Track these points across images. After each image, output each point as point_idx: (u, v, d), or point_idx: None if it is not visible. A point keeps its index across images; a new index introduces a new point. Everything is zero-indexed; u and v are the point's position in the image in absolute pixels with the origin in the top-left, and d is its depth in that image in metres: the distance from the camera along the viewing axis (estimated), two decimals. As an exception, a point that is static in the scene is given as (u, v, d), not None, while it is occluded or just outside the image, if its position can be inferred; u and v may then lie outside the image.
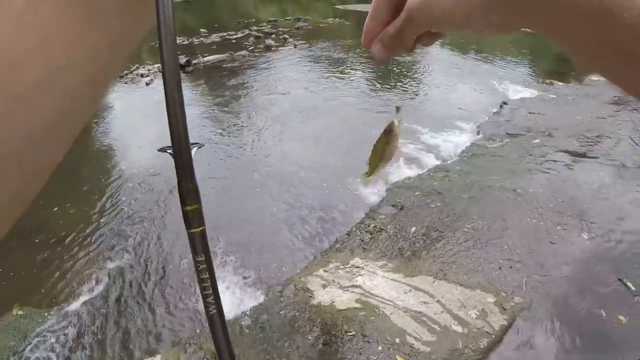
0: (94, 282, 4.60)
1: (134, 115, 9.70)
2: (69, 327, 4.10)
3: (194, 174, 0.41)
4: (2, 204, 0.35)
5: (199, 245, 0.42)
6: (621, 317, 3.59)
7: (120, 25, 0.39)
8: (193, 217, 0.41)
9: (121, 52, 0.41)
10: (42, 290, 4.52)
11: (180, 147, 0.39)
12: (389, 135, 0.77)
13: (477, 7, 0.48)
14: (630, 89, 0.50)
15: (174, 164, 0.40)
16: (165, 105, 0.39)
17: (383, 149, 0.78)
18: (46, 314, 4.20)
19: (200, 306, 4.20)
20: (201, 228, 0.42)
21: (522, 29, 0.51)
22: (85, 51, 0.37)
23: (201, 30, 18.80)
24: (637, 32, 0.42)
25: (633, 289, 3.85)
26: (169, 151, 0.41)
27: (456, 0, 0.51)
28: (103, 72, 0.39)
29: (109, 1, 0.38)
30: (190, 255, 0.43)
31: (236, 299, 4.30)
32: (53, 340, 3.95)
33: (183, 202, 0.41)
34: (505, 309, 3.66)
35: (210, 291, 0.44)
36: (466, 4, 0.49)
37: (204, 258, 0.43)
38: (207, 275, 0.43)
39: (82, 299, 4.39)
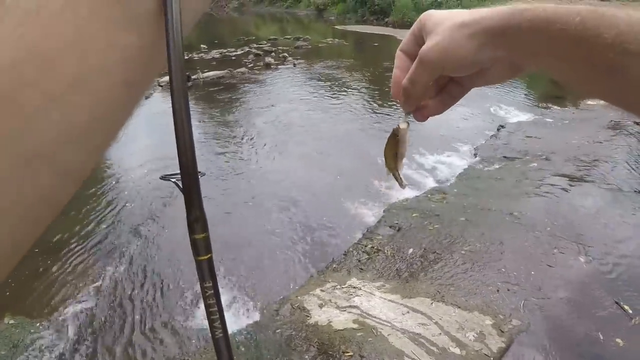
0: (87, 292, 4.57)
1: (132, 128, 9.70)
2: (62, 336, 4.07)
3: (202, 203, 0.42)
4: (33, 205, 0.34)
5: (207, 272, 0.43)
6: (618, 340, 3.59)
7: (156, 29, 0.40)
8: (201, 245, 0.42)
9: (156, 56, 0.41)
10: (34, 300, 4.49)
11: (189, 178, 0.40)
12: (395, 138, 0.79)
13: (480, 45, 0.57)
14: (619, 102, 0.55)
15: (180, 192, 0.41)
16: (174, 133, 0.39)
17: (394, 150, 0.80)
18: (38, 324, 4.16)
19: (196, 322, 4.22)
20: (209, 255, 0.43)
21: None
22: (120, 54, 0.37)
23: (201, 46, 18.87)
24: (618, 50, 0.47)
25: (630, 312, 3.85)
26: (172, 179, 0.43)
27: (461, 38, 0.57)
28: (137, 76, 0.39)
29: (144, 4, 0.39)
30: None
31: (231, 317, 4.28)
32: (45, 349, 3.92)
33: (191, 231, 0.42)
34: (503, 332, 3.65)
35: (217, 316, 0.45)
36: (470, 42, 0.55)
37: (211, 284, 0.44)
38: (214, 301, 0.44)
39: (76, 308, 4.37)
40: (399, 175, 0.82)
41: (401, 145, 0.78)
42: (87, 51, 0.35)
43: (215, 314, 0.44)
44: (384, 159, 0.82)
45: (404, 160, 0.81)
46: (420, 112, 0.70)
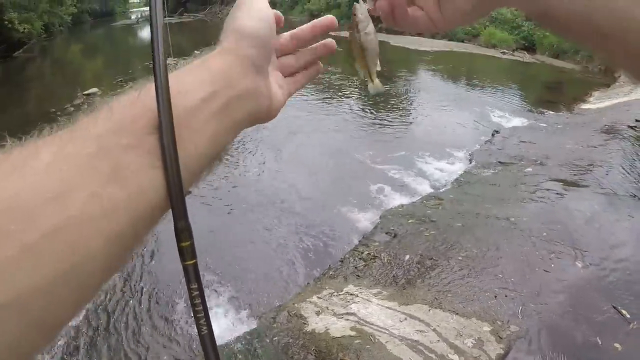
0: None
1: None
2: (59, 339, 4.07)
3: (187, 214, 0.45)
4: None
5: (192, 276, 0.47)
6: (617, 345, 3.59)
7: (143, 181, 0.41)
8: (187, 252, 0.46)
9: (143, 208, 0.41)
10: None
11: (175, 190, 0.43)
12: (355, 26, 0.64)
13: None
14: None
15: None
16: (160, 151, 0.42)
17: (362, 45, 0.65)
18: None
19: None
20: (194, 261, 0.47)
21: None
22: (103, 205, 0.37)
23: (195, 52, 18.72)
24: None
25: (628, 316, 3.85)
26: None
27: None
28: (121, 228, 0.39)
29: (131, 157, 0.41)
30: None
31: (228, 325, 4.27)
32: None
33: (178, 239, 0.46)
34: (501, 338, 3.65)
35: (202, 314, 0.47)
36: None
37: (197, 286, 0.47)
38: (200, 301, 0.47)
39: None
40: (371, 74, 0.67)
41: (364, 33, 0.63)
42: (69, 201, 0.36)
43: (201, 312, 0.47)
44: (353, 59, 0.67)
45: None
46: (389, 2, 0.59)
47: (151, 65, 0.44)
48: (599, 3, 0.45)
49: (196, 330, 0.47)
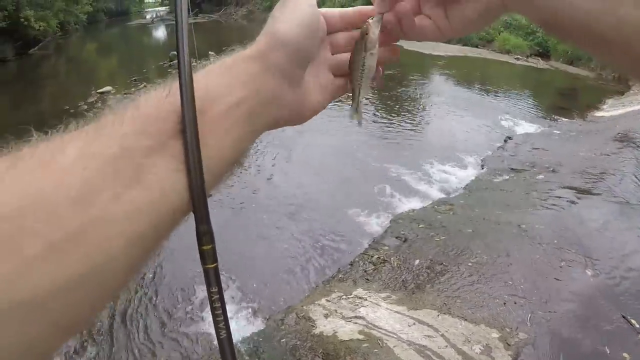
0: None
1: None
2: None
3: (210, 217, 0.46)
4: (14, 352, 0.33)
5: (213, 279, 0.47)
6: (625, 355, 3.56)
7: (165, 184, 0.42)
8: (208, 256, 0.46)
9: (165, 211, 0.42)
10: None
11: (198, 194, 0.44)
12: (363, 42, 0.61)
13: None
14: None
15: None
16: (184, 155, 0.43)
17: (361, 65, 0.62)
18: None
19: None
20: (215, 264, 0.47)
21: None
22: (124, 206, 0.38)
23: (209, 52, 18.72)
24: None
25: (637, 326, 3.82)
26: None
27: None
28: (143, 230, 0.40)
29: (154, 161, 0.41)
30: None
31: (236, 326, 4.27)
32: None
33: (200, 243, 0.46)
34: (509, 345, 3.63)
35: (222, 318, 0.47)
36: None
37: (217, 290, 0.47)
38: (219, 305, 0.47)
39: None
40: (359, 95, 0.65)
41: (370, 53, 0.61)
42: (92, 202, 0.36)
43: (220, 316, 0.47)
44: (348, 71, 0.64)
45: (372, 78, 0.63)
46: (395, 13, 0.60)
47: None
48: (601, 10, 0.44)
49: (213, 334, 0.48)
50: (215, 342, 0.49)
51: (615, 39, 0.45)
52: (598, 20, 0.45)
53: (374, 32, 0.60)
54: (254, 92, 0.50)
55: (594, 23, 0.46)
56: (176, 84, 0.45)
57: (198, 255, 0.46)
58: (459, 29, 0.59)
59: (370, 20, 0.61)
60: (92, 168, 0.37)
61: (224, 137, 0.47)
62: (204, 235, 0.46)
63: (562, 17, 0.48)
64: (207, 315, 4.39)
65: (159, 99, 0.45)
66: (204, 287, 0.47)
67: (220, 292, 0.47)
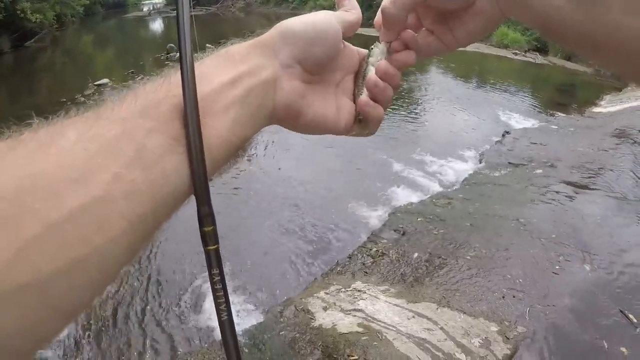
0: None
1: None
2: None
3: (211, 199, 0.45)
4: (12, 336, 0.32)
5: (214, 261, 0.46)
6: (623, 349, 3.58)
7: (164, 165, 0.41)
8: (210, 237, 0.46)
9: (166, 191, 0.41)
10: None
11: (199, 175, 0.43)
12: (367, 57, 0.63)
13: None
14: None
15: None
16: (185, 138, 0.43)
17: (362, 77, 0.62)
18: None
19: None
20: (216, 246, 0.47)
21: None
22: (125, 186, 0.37)
23: (207, 45, 18.64)
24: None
25: (635, 320, 3.84)
26: None
27: None
28: (144, 211, 0.39)
29: (155, 142, 0.41)
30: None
31: (235, 318, 4.26)
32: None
33: (201, 224, 0.46)
34: (508, 338, 3.65)
35: (223, 300, 0.47)
36: None
37: (218, 271, 0.47)
38: (221, 286, 0.47)
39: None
40: (357, 110, 0.63)
41: (369, 67, 0.62)
42: (92, 182, 0.36)
43: (222, 298, 0.47)
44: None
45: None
46: (401, 41, 0.61)
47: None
48: (593, 17, 0.45)
49: (213, 317, 0.47)
50: (216, 328, 0.49)
51: (609, 44, 0.46)
52: (591, 26, 0.46)
53: (377, 55, 0.62)
54: (250, 73, 0.50)
55: (584, 30, 0.47)
56: (174, 71, 0.46)
57: (195, 238, 0.46)
58: (464, 42, 0.60)
59: (376, 49, 0.62)
60: (92, 149, 0.37)
61: (221, 116, 0.47)
62: (206, 217, 0.46)
63: (555, 23, 0.49)
64: (208, 303, 4.42)
65: (156, 85, 0.45)
66: (203, 273, 0.46)
67: (221, 274, 0.47)
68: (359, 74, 0.63)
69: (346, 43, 0.62)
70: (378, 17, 0.62)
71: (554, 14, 0.48)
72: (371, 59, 0.62)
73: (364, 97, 0.61)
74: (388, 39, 0.61)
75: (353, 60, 0.63)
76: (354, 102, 0.63)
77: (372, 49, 0.62)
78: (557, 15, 0.48)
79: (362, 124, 0.64)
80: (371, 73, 0.61)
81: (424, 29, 0.62)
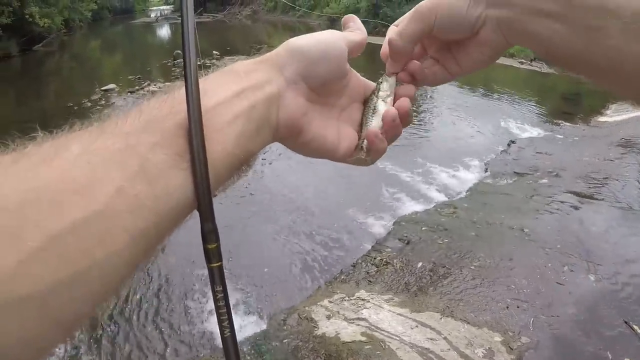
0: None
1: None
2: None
3: (214, 216, 0.45)
4: (12, 347, 0.32)
5: (217, 277, 0.46)
6: (627, 361, 3.58)
7: (168, 180, 0.41)
8: (213, 254, 0.46)
9: (170, 207, 0.41)
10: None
11: (203, 192, 0.44)
12: (377, 89, 0.63)
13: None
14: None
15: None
16: (189, 154, 0.43)
17: (372, 109, 0.62)
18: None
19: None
20: (219, 263, 0.47)
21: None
22: (128, 200, 0.38)
23: (214, 52, 18.67)
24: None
25: (639, 332, 3.83)
26: None
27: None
28: (146, 225, 0.39)
29: (159, 157, 0.41)
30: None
31: (238, 325, 4.27)
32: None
33: (204, 241, 0.46)
34: (512, 349, 3.63)
35: (226, 317, 0.47)
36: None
37: (221, 288, 0.47)
38: (224, 303, 0.47)
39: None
40: (362, 139, 0.61)
41: (380, 101, 0.62)
42: (95, 195, 0.36)
43: (225, 314, 0.47)
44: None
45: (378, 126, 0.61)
46: (407, 72, 0.62)
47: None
48: (594, 42, 0.46)
49: (216, 332, 0.47)
50: (219, 341, 0.49)
51: (610, 69, 0.47)
52: (592, 53, 0.47)
53: (386, 89, 0.62)
54: (254, 87, 0.51)
55: (586, 55, 0.48)
56: (179, 86, 0.46)
57: (198, 255, 0.46)
58: (470, 70, 0.61)
59: (384, 83, 0.63)
60: (95, 162, 0.37)
61: (224, 131, 0.47)
62: (209, 233, 0.46)
63: (559, 51, 0.51)
64: (211, 315, 4.41)
65: (161, 101, 0.46)
66: (207, 287, 0.47)
67: (224, 290, 0.47)
68: (367, 107, 0.63)
69: (354, 71, 0.63)
70: (384, 48, 0.63)
71: (556, 40, 0.49)
72: (381, 93, 0.62)
73: (374, 128, 0.61)
74: (395, 70, 0.63)
75: (359, 89, 0.64)
76: (359, 132, 0.63)
77: (380, 82, 0.63)
78: (559, 42, 0.49)
79: (365, 154, 0.63)
80: (382, 107, 0.61)
81: (429, 57, 0.64)
